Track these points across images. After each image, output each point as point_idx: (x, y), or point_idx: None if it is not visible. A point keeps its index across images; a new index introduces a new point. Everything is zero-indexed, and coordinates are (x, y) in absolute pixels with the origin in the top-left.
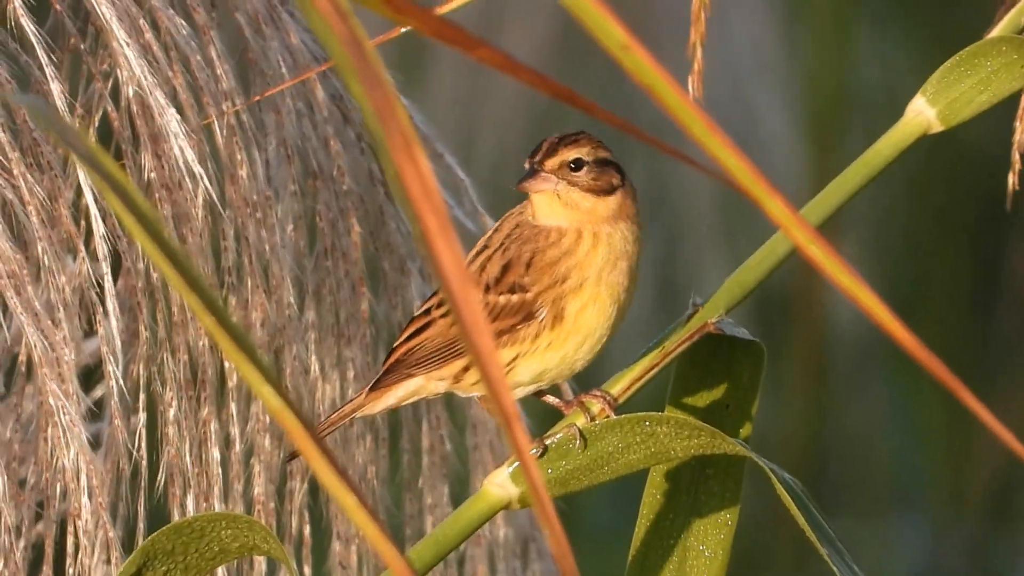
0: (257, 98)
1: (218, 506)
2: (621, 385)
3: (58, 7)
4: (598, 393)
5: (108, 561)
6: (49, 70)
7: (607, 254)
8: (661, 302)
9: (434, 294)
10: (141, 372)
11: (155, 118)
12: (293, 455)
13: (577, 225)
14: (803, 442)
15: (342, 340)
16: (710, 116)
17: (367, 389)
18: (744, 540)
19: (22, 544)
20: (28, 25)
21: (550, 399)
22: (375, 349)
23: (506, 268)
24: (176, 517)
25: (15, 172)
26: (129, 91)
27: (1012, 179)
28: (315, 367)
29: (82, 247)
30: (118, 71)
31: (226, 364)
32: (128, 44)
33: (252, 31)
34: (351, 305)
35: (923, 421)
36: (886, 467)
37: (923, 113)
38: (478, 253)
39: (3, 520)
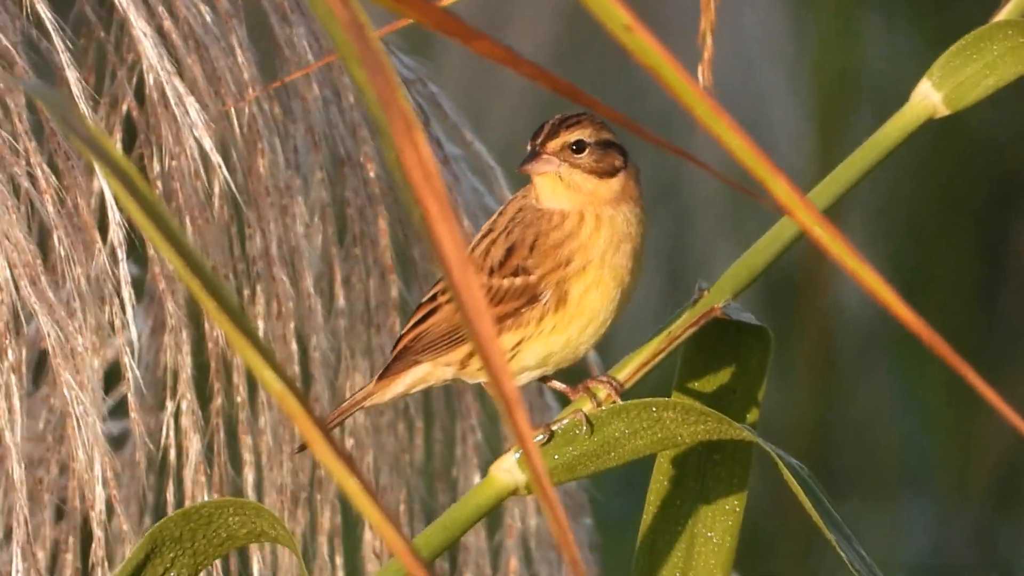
0: (277, 84)
1: (252, 495)
2: (628, 370)
3: None
4: (604, 379)
5: (125, 555)
6: (65, 57)
7: (610, 236)
8: (669, 288)
9: (440, 280)
10: (168, 362)
11: (173, 107)
12: (303, 446)
13: (580, 207)
14: (809, 427)
15: (372, 327)
16: (716, 100)
17: (376, 377)
18: (751, 526)
19: (49, 536)
20: (44, 12)
21: (556, 384)
22: None
23: (510, 251)
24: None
25: (32, 161)
26: (150, 80)
27: None
28: (346, 355)
29: (98, 237)
30: (140, 60)
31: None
32: (147, 33)
33: (278, 18)
34: (381, 293)
35: (929, 406)
36: (893, 452)
37: (929, 97)
38: (483, 236)
39: (22, 514)
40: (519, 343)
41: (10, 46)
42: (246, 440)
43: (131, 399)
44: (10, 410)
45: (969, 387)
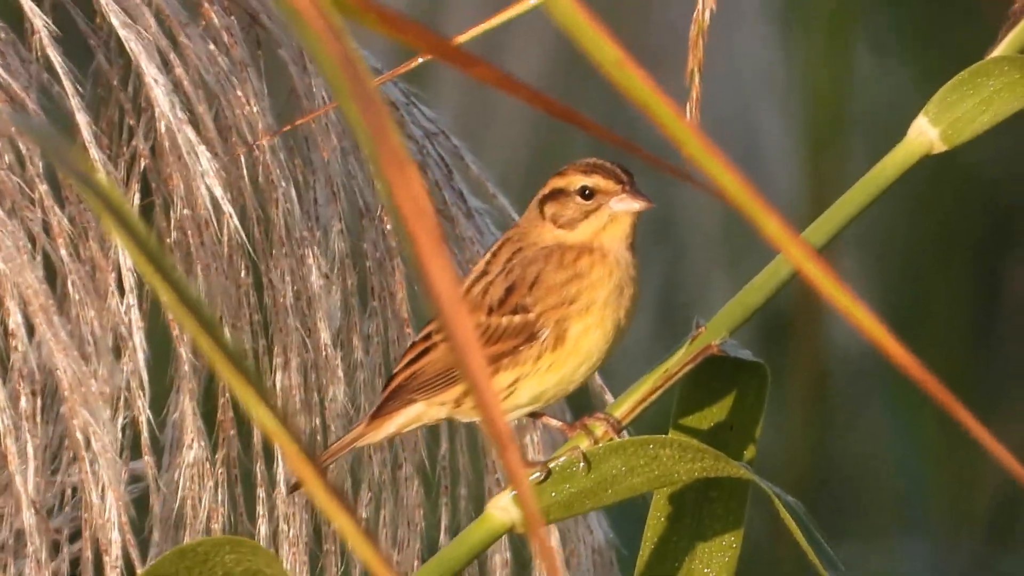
0: (287, 128)
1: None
2: (625, 407)
3: (92, 41)
4: (601, 416)
5: None
6: (75, 101)
7: (620, 278)
8: (664, 324)
9: (434, 319)
10: (187, 405)
11: (185, 155)
12: (297, 485)
13: (603, 246)
14: (804, 463)
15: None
16: (707, 134)
17: (368, 417)
18: (746, 561)
19: None
20: (55, 56)
21: (552, 422)
22: None
23: (510, 290)
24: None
25: (45, 205)
26: (162, 127)
27: None
28: (364, 407)
29: (112, 280)
30: (153, 108)
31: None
32: (158, 81)
33: (298, 69)
34: (398, 346)
35: (925, 442)
36: (888, 488)
37: (926, 133)
38: (477, 279)
39: (38, 552)
40: (515, 381)
41: (20, 90)
42: (258, 489)
43: (144, 442)
44: (21, 454)
45: (962, 425)
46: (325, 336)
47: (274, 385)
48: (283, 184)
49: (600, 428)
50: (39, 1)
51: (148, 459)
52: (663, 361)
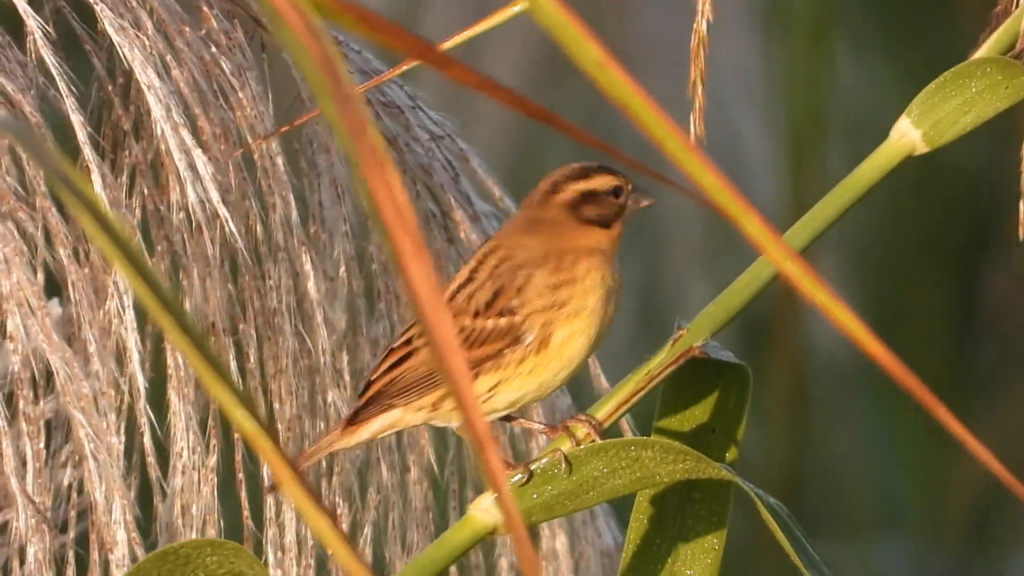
0: (285, 128)
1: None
2: (606, 409)
3: (88, 47)
4: (583, 418)
5: None
6: (70, 102)
7: (608, 286)
8: (645, 325)
9: (413, 324)
10: (180, 407)
11: (179, 159)
12: (275, 486)
13: (607, 250)
14: (784, 464)
15: None
16: (686, 135)
17: (343, 423)
18: (727, 563)
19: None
20: (48, 57)
21: (534, 425)
22: None
23: (496, 294)
24: None
25: (38, 205)
26: (158, 131)
27: (1023, 208)
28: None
29: (111, 284)
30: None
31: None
32: (151, 87)
33: (301, 72)
34: None
35: (904, 444)
36: (868, 490)
37: (908, 135)
38: (462, 285)
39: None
40: (496, 385)
41: (16, 92)
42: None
43: (147, 446)
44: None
45: (941, 423)
46: (325, 341)
47: (277, 389)
48: (281, 187)
49: (582, 430)
50: (38, 7)
51: (151, 460)
52: (645, 363)
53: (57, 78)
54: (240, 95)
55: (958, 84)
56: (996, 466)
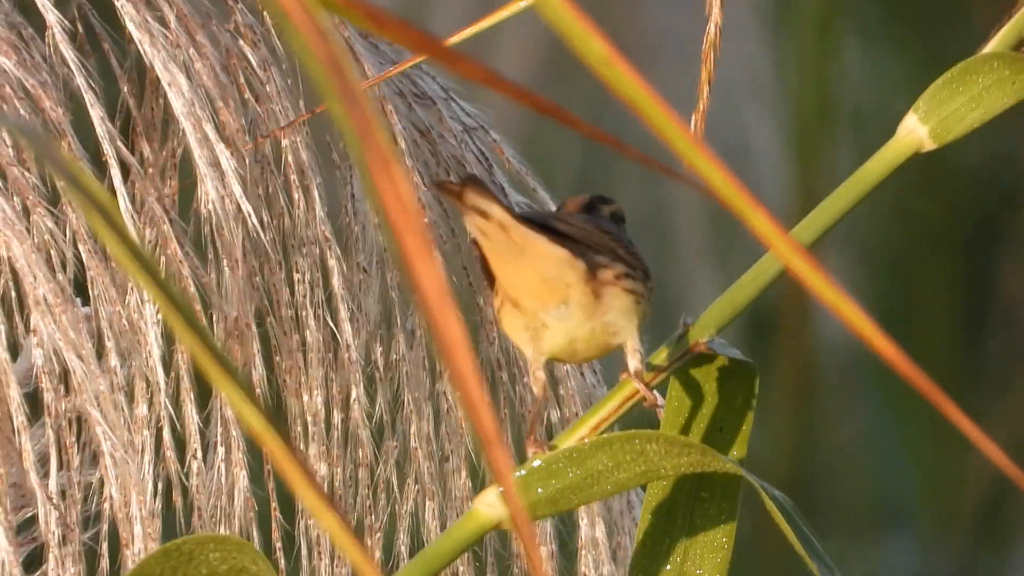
0: (304, 117)
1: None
2: (611, 405)
3: (105, 45)
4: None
5: None
6: (89, 96)
7: None
8: (651, 320)
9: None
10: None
11: (201, 154)
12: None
13: None
14: (790, 459)
15: (435, 374)
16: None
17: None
18: (732, 559)
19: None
20: (67, 52)
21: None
22: None
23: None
24: None
25: (63, 202)
26: (181, 128)
27: None
28: (407, 399)
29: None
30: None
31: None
32: (171, 85)
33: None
34: None
35: (912, 440)
36: (875, 484)
37: (915, 131)
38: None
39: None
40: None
41: (35, 86)
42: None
43: (166, 438)
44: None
45: (950, 420)
46: (357, 332)
47: (307, 382)
48: (305, 179)
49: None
50: (63, 6)
51: (170, 455)
52: (650, 359)
53: (76, 72)
54: (267, 89)
55: (965, 80)
56: (1005, 462)
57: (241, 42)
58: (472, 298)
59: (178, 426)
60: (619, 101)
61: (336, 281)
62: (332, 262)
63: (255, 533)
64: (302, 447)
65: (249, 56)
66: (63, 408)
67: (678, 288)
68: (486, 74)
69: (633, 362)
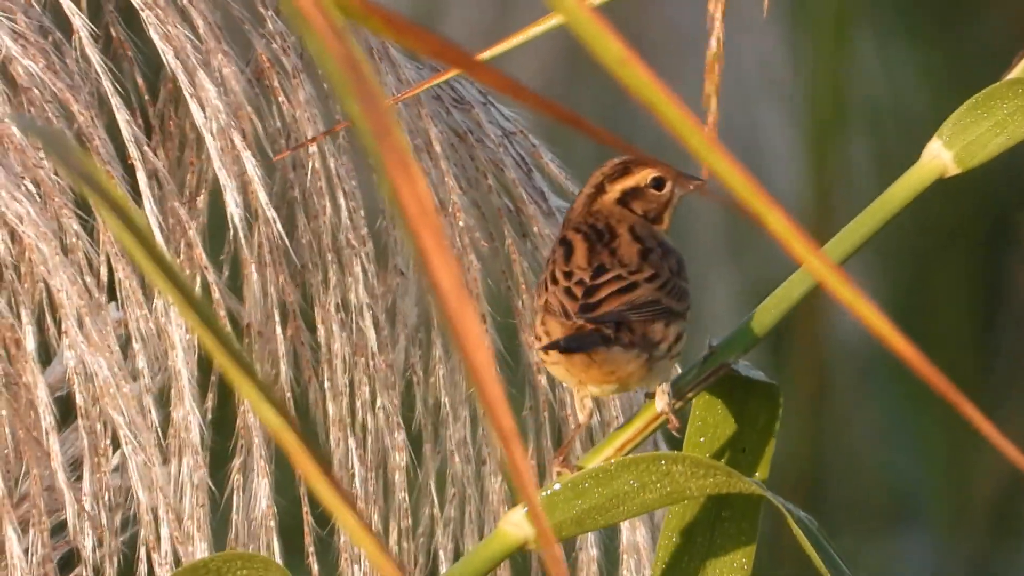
0: (338, 128)
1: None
2: (638, 424)
3: (129, 53)
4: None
5: None
6: (115, 100)
7: None
8: None
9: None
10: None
11: (224, 162)
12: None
13: None
14: (805, 458)
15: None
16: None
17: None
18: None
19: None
20: (93, 56)
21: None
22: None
23: (681, 263)
24: None
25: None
26: (206, 135)
27: None
28: (444, 403)
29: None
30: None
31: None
32: (192, 95)
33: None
34: None
35: (926, 438)
36: (889, 483)
37: (939, 156)
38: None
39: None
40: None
41: (63, 89)
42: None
43: (196, 442)
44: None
45: (966, 418)
46: (395, 335)
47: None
48: (332, 186)
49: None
50: (94, 12)
51: (199, 458)
52: (676, 380)
53: (102, 76)
54: (299, 96)
55: (989, 106)
56: (1019, 459)
57: (274, 46)
58: (511, 301)
59: (206, 433)
60: (633, 101)
61: (366, 286)
62: (366, 267)
63: (276, 542)
64: (336, 450)
65: (283, 62)
66: (96, 412)
67: (694, 289)
68: (506, 82)
69: (661, 403)
